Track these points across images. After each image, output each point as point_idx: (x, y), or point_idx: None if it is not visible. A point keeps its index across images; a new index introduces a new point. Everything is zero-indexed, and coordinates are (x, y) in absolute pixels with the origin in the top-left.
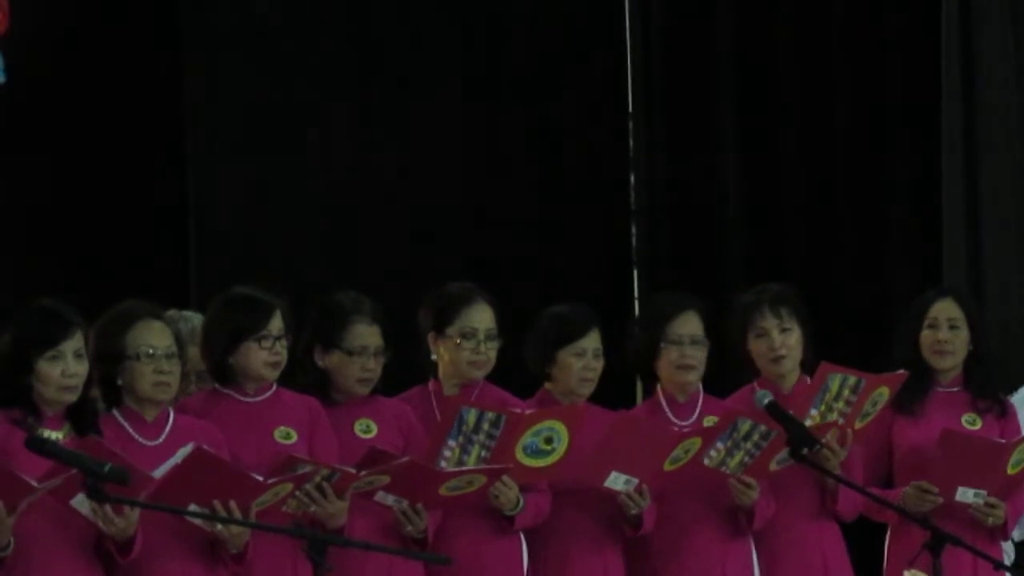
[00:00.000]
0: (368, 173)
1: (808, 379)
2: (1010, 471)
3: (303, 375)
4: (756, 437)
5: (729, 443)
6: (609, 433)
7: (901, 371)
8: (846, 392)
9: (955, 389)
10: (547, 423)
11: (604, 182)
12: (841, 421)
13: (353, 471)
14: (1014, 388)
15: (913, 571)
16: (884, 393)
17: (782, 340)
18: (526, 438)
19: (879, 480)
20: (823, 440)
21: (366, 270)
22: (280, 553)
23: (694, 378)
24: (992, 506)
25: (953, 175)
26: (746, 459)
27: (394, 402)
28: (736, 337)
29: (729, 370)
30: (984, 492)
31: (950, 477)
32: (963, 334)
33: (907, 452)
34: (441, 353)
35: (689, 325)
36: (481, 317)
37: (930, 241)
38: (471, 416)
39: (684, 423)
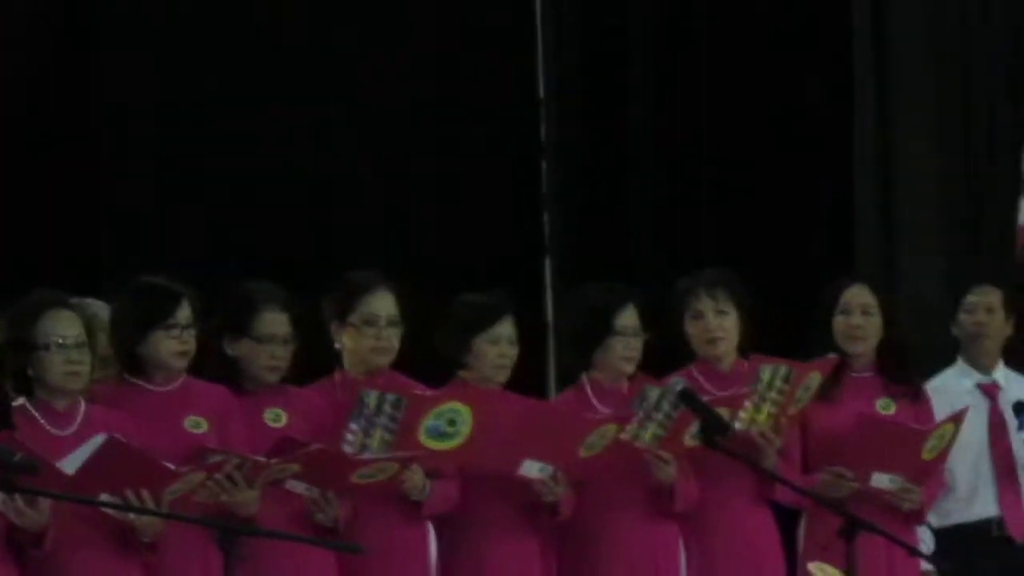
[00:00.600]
0: (277, 163)
1: (746, 363)
2: (926, 456)
3: (212, 364)
4: (666, 407)
5: (640, 413)
6: (521, 422)
7: (832, 355)
8: (778, 382)
9: (868, 374)
10: (449, 405)
11: (515, 168)
12: (775, 410)
13: (264, 460)
14: (929, 374)
15: (820, 565)
16: (815, 378)
17: (718, 323)
18: (428, 420)
19: (795, 466)
20: (758, 431)
21: (276, 260)
22: (192, 543)
23: (633, 369)
24: (908, 490)
25: (866, 159)
26: (659, 431)
27: (304, 391)
28: (673, 321)
29: (667, 357)
30: (900, 478)
31: (866, 462)
32: (876, 320)
33: (821, 437)
34: (344, 342)
35: (631, 317)
36: (383, 304)
37: (844, 227)
38: (371, 399)
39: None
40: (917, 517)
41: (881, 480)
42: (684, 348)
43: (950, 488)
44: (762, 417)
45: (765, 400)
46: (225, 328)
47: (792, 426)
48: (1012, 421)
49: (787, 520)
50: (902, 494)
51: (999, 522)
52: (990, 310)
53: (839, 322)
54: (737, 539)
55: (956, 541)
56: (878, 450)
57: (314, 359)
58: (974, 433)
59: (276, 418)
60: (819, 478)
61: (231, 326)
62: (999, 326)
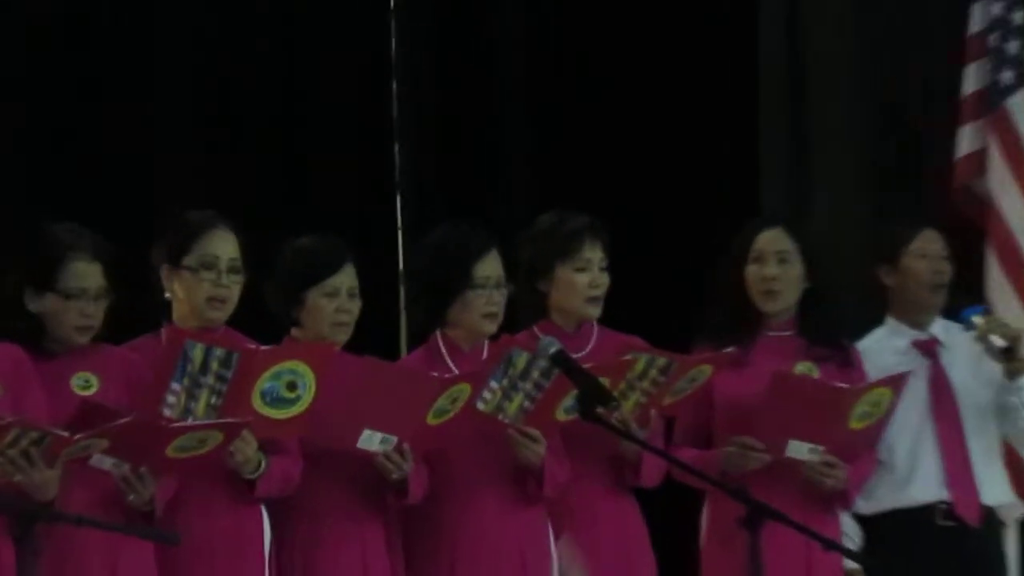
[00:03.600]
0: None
1: (593, 324)
2: (853, 424)
3: (11, 321)
4: (536, 375)
5: (505, 382)
6: (356, 384)
7: (730, 349)
8: (653, 372)
9: (787, 333)
10: (289, 364)
11: (362, 95)
12: (643, 400)
13: (66, 434)
14: (853, 332)
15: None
16: (706, 371)
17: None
18: (264, 382)
19: (699, 440)
20: (619, 418)
21: (92, 206)
22: None
23: (494, 328)
24: (830, 464)
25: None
26: (526, 403)
27: (121, 351)
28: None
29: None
30: (820, 448)
31: (780, 428)
32: (795, 269)
33: (728, 406)
34: (176, 289)
35: (493, 266)
36: (223, 246)
37: (748, 164)
38: (197, 353)
39: None
40: (842, 500)
41: (799, 449)
42: (541, 305)
43: (885, 467)
44: (628, 405)
45: (634, 389)
46: (27, 280)
47: (663, 416)
48: (961, 375)
49: (687, 506)
50: (823, 469)
51: (946, 507)
52: (944, 257)
53: (751, 272)
54: (602, 533)
55: (890, 531)
56: (795, 414)
57: (137, 316)
58: (914, 399)
59: (86, 384)
60: (722, 452)
61: (34, 278)
62: (949, 275)
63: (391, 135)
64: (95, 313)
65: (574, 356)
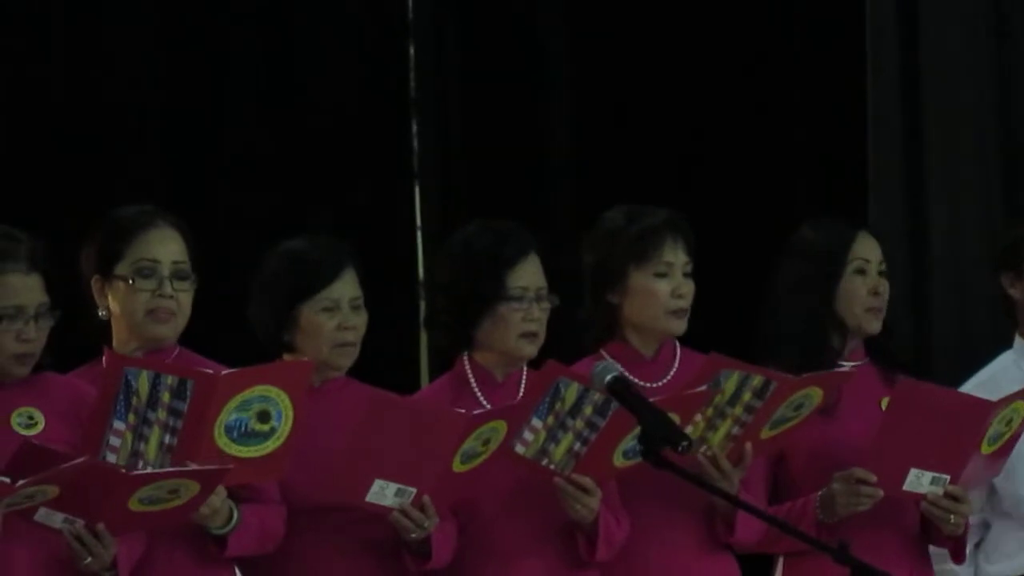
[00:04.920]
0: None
1: (675, 345)
2: (984, 448)
3: None
4: (588, 410)
5: (550, 420)
6: (362, 425)
7: (846, 368)
8: (747, 395)
9: (861, 363)
10: (258, 389)
11: (373, 71)
12: (737, 431)
13: (6, 481)
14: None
15: None
16: (814, 396)
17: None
18: (228, 414)
19: (761, 501)
20: (708, 454)
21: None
22: None
23: (534, 350)
24: (957, 499)
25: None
26: (577, 446)
27: (68, 380)
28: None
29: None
30: (945, 478)
31: (899, 455)
32: (887, 284)
33: (814, 450)
34: (110, 304)
35: (533, 273)
36: (163, 248)
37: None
38: (142, 382)
39: None
40: (957, 548)
41: (919, 482)
42: (612, 322)
43: (1013, 518)
44: (717, 438)
45: (724, 416)
46: None
47: (763, 454)
48: None
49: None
50: (947, 504)
51: None
52: None
53: (853, 286)
54: None
55: None
56: (919, 435)
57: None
58: None
59: (29, 422)
60: (819, 496)
61: None
62: None
63: (408, 115)
64: (36, 336)
65: (652, 385)
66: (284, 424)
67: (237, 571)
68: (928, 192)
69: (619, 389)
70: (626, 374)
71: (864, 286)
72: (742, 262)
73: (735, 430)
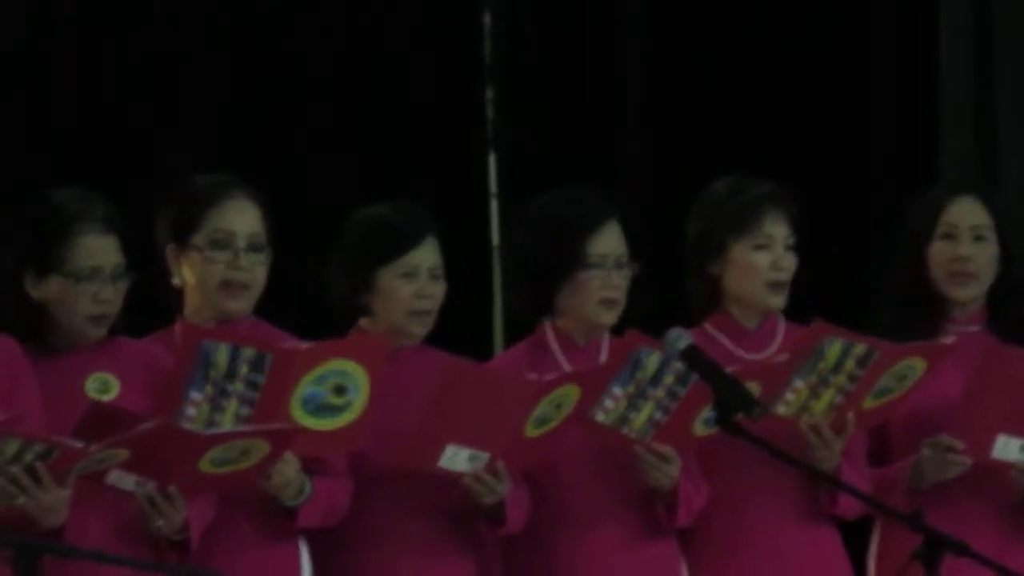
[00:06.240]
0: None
1: (778, 317)
2: None
3: (7, 311)
4: (669, 379)
5: (631, 388)
6: (435, 391)
7: (949, 340)
8: (849, 364)
9: (974, 328)
10: (335, 363)
11: (447, 34)
12: (840, 400)
13: (77, 445)
14: None
15: None
16: (917, 367)
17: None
18: (305, 386)
19: (861, 470)
20: (811, 423)
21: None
22: None
23: (614, 318)
24: None
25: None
26: (657, 415)
27: (143, 346)
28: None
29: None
30: None
31: (987, 421)
32: (991, 248)
33: (909, 417)
34: (185, 275)
35: (613, 240)
36: (240, 219)
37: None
38: (220, 354)
39: None
40: None
41: (1008, 448)
42: (714, 295)
43: None
44: (820, 406)
45: (828, 385)
46: (25, 261)
47: (865, 425)
48: None
49: (852, 536)
50: None
51: None
52: None
53: (938, 251)
54: (797, 565)
55: None
56: (1008, 401)
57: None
58: None
59: (103, 387)
60: (910, 462)
61: (33, 257)
62: None
63: (482, 78)
64: (111, 298)
65: (754, 357)
66: (359, 398)
67: (301, 542)
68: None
69: (691, 356)
70: (695, 343)
71: (946, 252)
72: (828, 228)
73: (838, 399)
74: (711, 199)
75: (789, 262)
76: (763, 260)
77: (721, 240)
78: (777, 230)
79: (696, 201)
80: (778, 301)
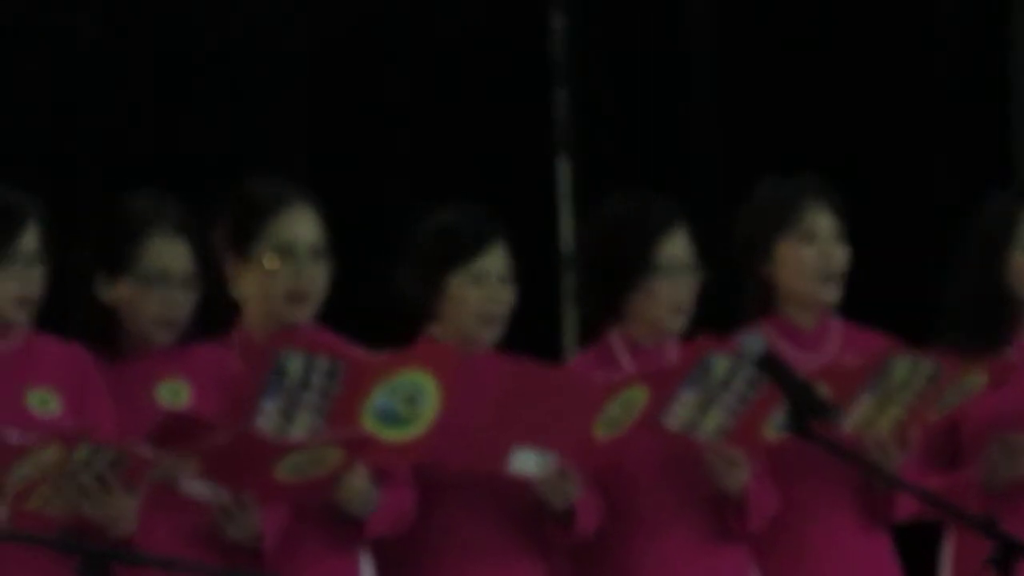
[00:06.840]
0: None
1: (834, 317)
2: None
3: (78, 314)
4: (740, 384)
5: (702, 392)
6: (504, 394)
7: (1011, 358)
8: (917, 381)
9: None
10: (407, 374)
11: (517, 33)
12: (902, 414)
13: (148, 453)
14: None
15: None
16: (978, 381)
17: (836, 252)
18: (377, 396)
19: (940, 464)
20: (875, 436)
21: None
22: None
23: (682, 323)
24: None
25: None
26: (727, 419)
27: (214, 350)
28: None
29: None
30: None
31: None
32: None
33: (985, 425)
34: (244, 285)
35: (681, 245)
36: (301, 227)
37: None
38: (294, 364)
39: None
40: None
41: None
42: (767, 295)
43: None
44: (884, 420)
45: (892, 400)
46: (96, 262)
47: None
48: None
49: (924, 543)
50: None
51: None
52: None
53: (1015, 260)
54: (854, 572)
55: None
56: None
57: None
58: None
59: (175, 394)
60: (981, 464)
61: (104, 259)
62: None
63: (552, 85)
64: (182, 303)
65: (811, 358)
66: (429, 409)
67: (362, 551)
68: None
69: (767, 362)
70: (771, 349)
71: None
72: (890, 228)
73: (903, 415)
74: (753, 199)
75: (838, 253)
76: (810, 254)
77: (766, 239)
78: (820, 222)
79: (743, 204)
80: (831, 294)
